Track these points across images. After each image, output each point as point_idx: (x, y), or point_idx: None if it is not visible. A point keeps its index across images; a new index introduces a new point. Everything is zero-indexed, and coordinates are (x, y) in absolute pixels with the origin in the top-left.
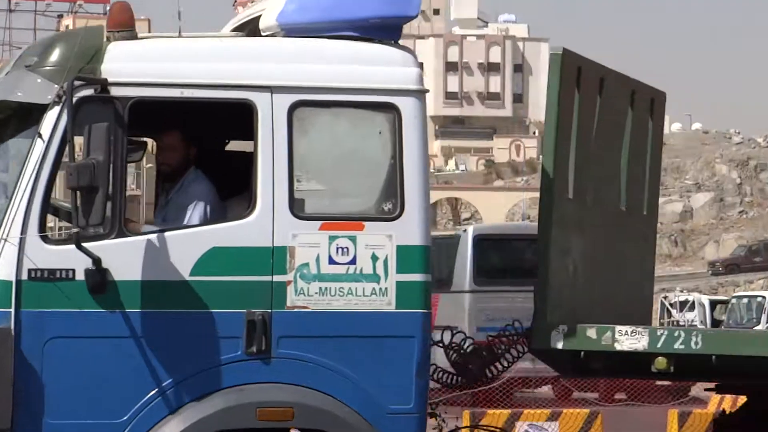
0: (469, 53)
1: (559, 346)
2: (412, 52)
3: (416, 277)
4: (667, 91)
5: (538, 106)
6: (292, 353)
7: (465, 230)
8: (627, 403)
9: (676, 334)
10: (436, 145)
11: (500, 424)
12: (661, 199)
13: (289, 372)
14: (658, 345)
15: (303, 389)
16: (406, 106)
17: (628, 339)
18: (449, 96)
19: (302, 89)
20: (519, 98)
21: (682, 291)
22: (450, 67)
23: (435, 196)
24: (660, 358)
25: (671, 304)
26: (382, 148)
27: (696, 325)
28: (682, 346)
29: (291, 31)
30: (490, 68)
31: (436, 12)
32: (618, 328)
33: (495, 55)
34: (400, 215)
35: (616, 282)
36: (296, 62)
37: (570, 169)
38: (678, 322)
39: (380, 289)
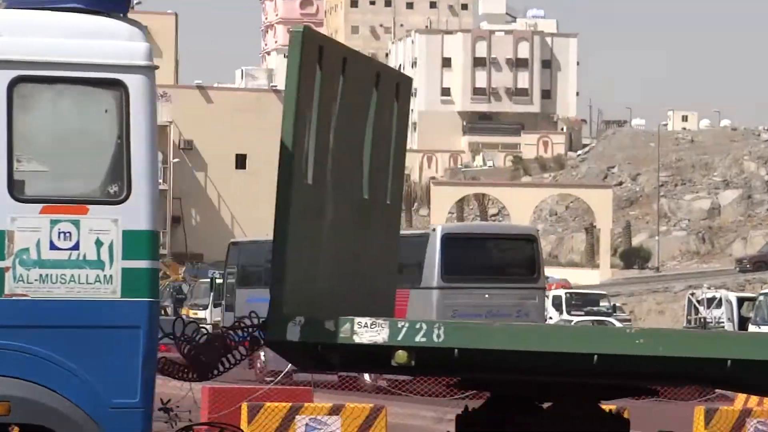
0: (497, 49)
1: (296, 338)
2: (140, 25)
3: (143, 263)
4: (696, 87)
5: (566, 102)
6: (10, 344)
7: (434, 229)
8: (654, 400)
9: (417, 326)
10: (463, 141)
11: None
12: (689, 196)
13: (6, 364)
14: (399, 338)
15: (21, 382)
16: (134, 83)
17: (368, 331)
18: (477, 91)
19: (23, 64)
20: (547, 94)
21: (709, 288)
22: (478, 62)
23: (462, 192)
24: (400, 351)
25: (698, 301)
26: (109, 128)
27: (723, 323)
28: (423, 339)
29: (12, 2)
30: (518, 64)
31: (464, 7)
32: (357, 319)
33: (523, 51)
34: (126, 198)
35: (358, 273)
36: (17, 35)
37: (310, 153)
38: (705, 318)
39: (104, 276)
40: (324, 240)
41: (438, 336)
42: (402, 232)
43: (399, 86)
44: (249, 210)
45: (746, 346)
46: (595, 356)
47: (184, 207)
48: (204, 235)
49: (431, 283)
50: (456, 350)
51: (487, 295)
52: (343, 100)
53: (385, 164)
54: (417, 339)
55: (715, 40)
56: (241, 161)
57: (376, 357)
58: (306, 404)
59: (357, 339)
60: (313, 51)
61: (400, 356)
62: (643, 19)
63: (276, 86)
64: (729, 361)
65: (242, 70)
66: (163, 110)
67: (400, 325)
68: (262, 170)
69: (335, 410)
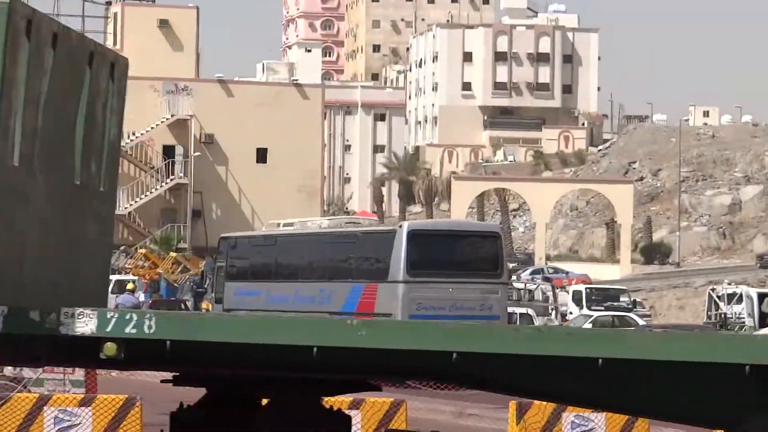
0: (519, 43)
1: None
2: None
3: None
4: (717, 82)
5: (587, 97)
6: None
7: (400, 225)
8: None
9: (127, 317)
10: (484, 136)
11: (546, 416)
12: (710, 192)
13: None
14: (108, 329)
15: None
16: None
17: (75, 322)
18: (498, 86)
19: None
20: (568, 89)
21: (729, 283)
22: (499, 57)
23: (483, 186)
24: (109, 343)
25: (719, 297)
26: None
27: (743, 318)
28: (133, 331)
29: None
30: (539, 58)
31: (486, 1)
32: (64, 309)
33: (544, 46)
34: None
35: (70, 262)
36: None
37: (17, 132)
38: (725, 314)
39: None
40: (31, 226)
41: (149, 327)
42: (370, 228)
43: (114, 66)
44: (269, 204)
45: (469, 339)
46: (315, 349)
47: (204, 200)
48: (224, 228)
49: (397, 277)
50: (168, 342)
51: (451, 290)
52: (54, 77)
53: (99, 149)
54: (127, 330)
55: (737, 35)
56: (261, 155)
57: (85, 349)
58: (325, 399)
59: (63, 330)
60: (20, 23)
61: (109, 348)
62: (665, 14)
63: (297, 80)
64: (454, 354)
65: (263, 64)
66: (184, 104)
67: (109, 316)
68: (282, 164)
69: (355, 404)
